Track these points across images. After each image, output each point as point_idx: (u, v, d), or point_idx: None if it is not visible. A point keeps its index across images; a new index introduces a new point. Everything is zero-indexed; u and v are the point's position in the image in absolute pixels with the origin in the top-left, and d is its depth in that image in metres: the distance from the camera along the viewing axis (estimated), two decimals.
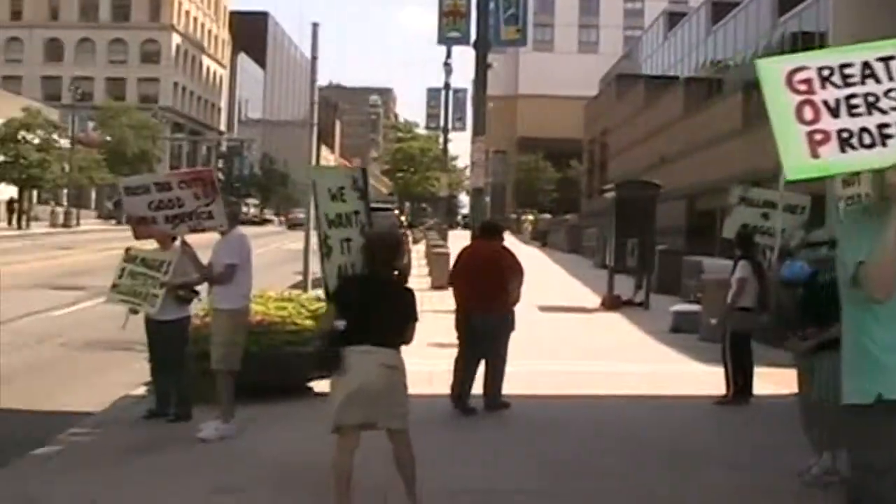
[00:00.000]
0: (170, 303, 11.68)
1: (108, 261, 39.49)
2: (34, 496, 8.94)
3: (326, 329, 8.31)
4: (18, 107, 76.67)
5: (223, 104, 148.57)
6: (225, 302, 11.17)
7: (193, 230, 11.51)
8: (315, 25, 21.12)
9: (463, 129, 60.73)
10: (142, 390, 13.91)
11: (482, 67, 26.46)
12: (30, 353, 17.88)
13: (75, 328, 20.99)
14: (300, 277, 25.16)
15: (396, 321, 8.00)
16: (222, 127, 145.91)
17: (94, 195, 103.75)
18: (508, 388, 13.22)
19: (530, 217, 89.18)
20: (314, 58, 21.37)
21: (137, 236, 12.16)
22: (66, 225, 78.60)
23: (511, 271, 13.07)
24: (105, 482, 9.45)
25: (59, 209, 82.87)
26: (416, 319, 8.14)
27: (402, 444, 8.06)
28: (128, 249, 12.30)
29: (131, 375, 15.07)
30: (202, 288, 12.01)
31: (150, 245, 12.23)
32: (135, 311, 12.12)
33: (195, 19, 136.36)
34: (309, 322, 13.49)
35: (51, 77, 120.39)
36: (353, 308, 7.96)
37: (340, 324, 7.97)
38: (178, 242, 11.95)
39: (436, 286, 29.26)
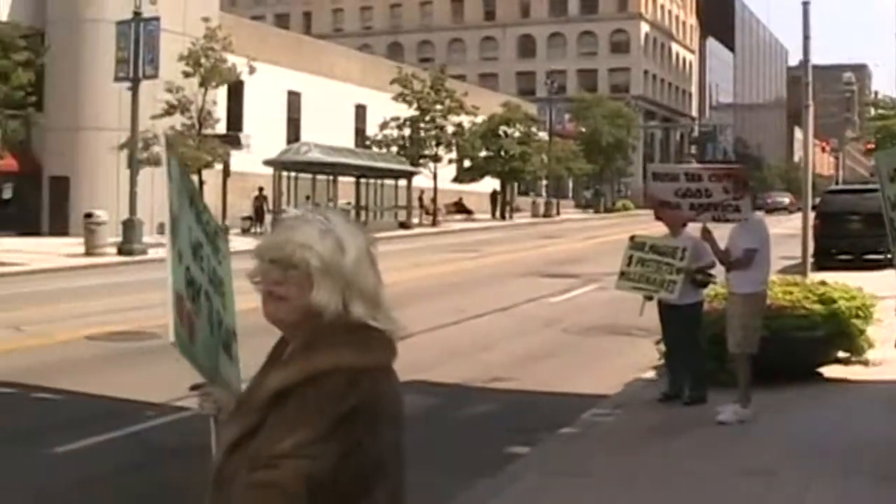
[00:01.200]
0: (686, 287, 11.88)
1: (594, 249, 40.62)
2: (563, 471, 9.38)
3: None
4: (497, 103, 79.72)
5: (693, 90, 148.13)
6: (743, 286, 11.19)
7: (716, 220, 11.60)
8: (805, 4, 20.84)
9: None
10: (651, 373, 14.19)
11: None
12: (538, 337, 18.69)
13: (574, 314, 21.71)
14: (787, 262, 24.83)
15: None
16: (693, 113, 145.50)
17: (570, 185, 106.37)
18: None
19: None
20: (806, 38, 21.09)
21: (658, 217, 12.46)
22: (546, 215, 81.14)
23: None
24: (633, 460, 9.76)
25: (540, 200, 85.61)
26: None
27: None
28: (632, 237, 12.60)
29: (637, 359, 15.43)
30: (717, 271, 12.12)
31: (655, 232, 12.47)
32: (649, 298, 12.39)
33: (662, 6, 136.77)
34: (818, 307, 13.28)
35: (524, 73, 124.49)
36: None
37: None
38: (687, 228, 12.15)
39: None
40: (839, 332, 13.33)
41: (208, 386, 3.42)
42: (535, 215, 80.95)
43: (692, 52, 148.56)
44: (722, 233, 11.65)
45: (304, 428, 2.69)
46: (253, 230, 49.79)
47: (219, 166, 46.02)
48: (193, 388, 3.47)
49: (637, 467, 9.47)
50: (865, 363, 13.78)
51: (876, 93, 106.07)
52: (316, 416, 2.70)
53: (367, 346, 2.85)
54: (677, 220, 12.09)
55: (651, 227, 14.40)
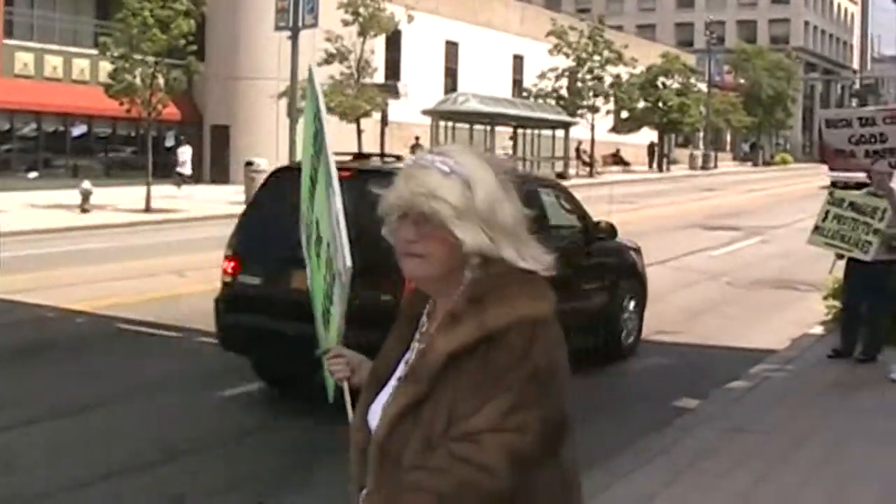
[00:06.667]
0: (881, 249, 11.47)
1: (755, 203, 40.01)
2: (737, 426, 9.22)
3: None
4: (656, 53, 78.69)
5: (855, 41, 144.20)
6: None
7: (894, 167, 11.23)
8: None
9: None
10: (818, 329, 13.91)
11: None
12: (702, 290, 18.47)
13: (737, 267, 21.38)
14: None
15: None
16: (855, 65, 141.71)
17: (728, 138, 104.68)
18: None
19: None
20: None
21: (832, 168, 12.10)
22: (704, 167, 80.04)
23: None
24: (808, 416, 9.55)
25: (697, 152, 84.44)
26: None
27: None
28: (832, 192, 12.21)
29: (803, 314, 15.19)
30: None
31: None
32: (840, 257, 12.09)
33: None
34: None
35: (683, 24, 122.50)
36: None
37: None
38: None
39: None
40: None
41: (338, 348, 3.22)
42: (692, 167, 79.91)
43: (854, 2, 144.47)
44: None
45: (498, 394, 2.49)
46: None
47: (377, 115, 46.25)
48: (323, 353, 3.28)
49: (813, 424, 9.28)
50: None
51: None
52: (506, 380, 2.49)
53: (532, 293, 2.63)
54: (854, 168, 11.71)
55: (812, 181, 14.05)
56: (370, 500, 2.66)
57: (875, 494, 7.32)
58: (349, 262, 3.00)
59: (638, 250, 13.61)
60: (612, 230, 12.74)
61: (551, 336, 2.61)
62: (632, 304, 13.00)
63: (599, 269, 12.56)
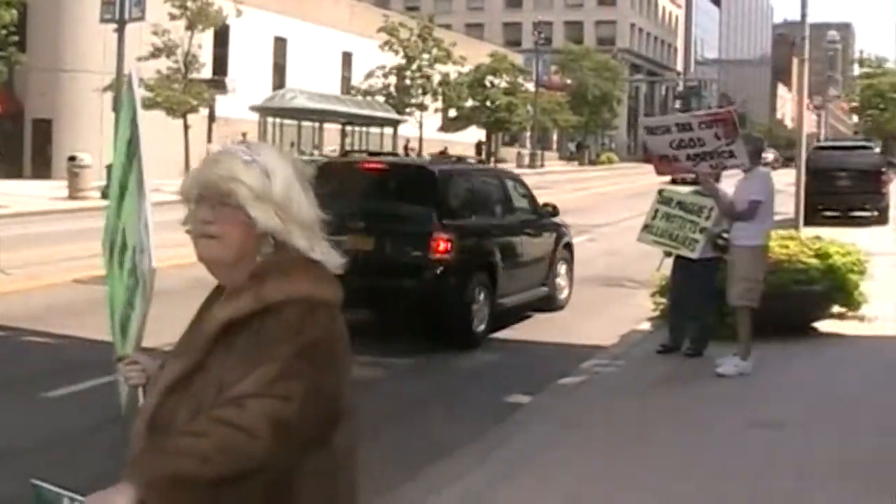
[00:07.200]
0: (707, 247, 11.77)
1: (583, 201, 40.57)
2: (570, 420, 9.30)
3: None
4: (485, 53, 79.43)
5: (679, 44, 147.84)
6: (747, 238, 11.07)
7: (714, 168, 11.48)
8: None
9: None
10: (647, 326, 14.16)
11: None
12: None
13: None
14: (776, 217, 24.74)
15: None
16: (679, 67, 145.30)
17: (555, 137, 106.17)
18: None
19: None
20: None
21: (659, 173, 12.32)
22: (531, 166, 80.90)
23: None
24: (638, 410, 9.71)
25: (524, 151, 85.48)
26: None
27: None
28: (661, 191, 12.48)
29: (631, 311, 15.38)
30: None
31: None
32: (668, 254, 12.32)
33: None
34: (814, 261, 13.23)
35: (512, 23, 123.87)
36: None
37: None
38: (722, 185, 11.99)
39: None
40: (835, 286, 13.33)
41: (136, 354, 3.15)
42: (519, 166, 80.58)
43: (679, 6, 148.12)
44: None
45: (267, 363, 2.54)
46: None
47: (204, 111, 45.72)
48: (119, 359, 3.23)
49: (642, 417, 9.42)
50: (861, 318, 13.80)
51: (861, 52, 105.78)
52: (277, 350, 2.55)
53: (317, 278, 2.71)
54: (679, 173, 11.97)
55: (636, 181, 14.39)
56: (130, 468, 2.53)
57: (702, 485, 7.44)
58: (154, 264, 2.97)
59: (567, 227, 16.89)
60: (554, 209, 16.36)
61: (330, 319, 2.66)
62: (564, 269, 16.30)
63: (545, 239, 15.83)
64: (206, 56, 47.54)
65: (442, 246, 12.77)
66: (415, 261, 12.94)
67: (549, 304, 15.62)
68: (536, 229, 15.56)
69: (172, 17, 41.51)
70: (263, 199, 2.68)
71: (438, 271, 12.83)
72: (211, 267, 2.78)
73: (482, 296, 13.30)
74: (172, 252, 3.34)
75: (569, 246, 16.50)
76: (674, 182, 15.97)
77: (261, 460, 2.50)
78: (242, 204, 2.67)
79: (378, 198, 13.83)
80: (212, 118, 48.32)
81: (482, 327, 13.30)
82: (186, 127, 41.36)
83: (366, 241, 12.57)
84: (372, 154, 15.10)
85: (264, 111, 52.36)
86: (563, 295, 16.19)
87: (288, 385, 2.51)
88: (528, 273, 14.93)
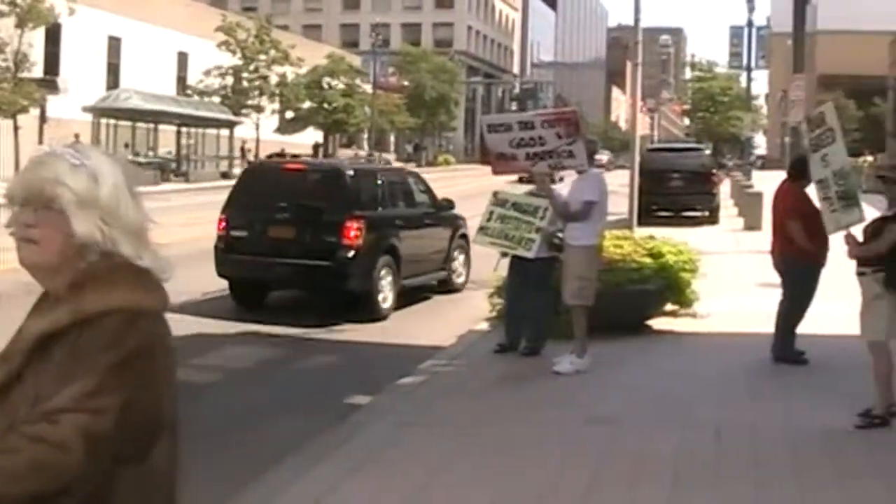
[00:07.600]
0: (543, 247, 11.93)
1: None
2: (409, 420, 9.36)
3: None
4: (322, 54, 79.16)
5: (516, 47, 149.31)
6: (580, 238, 11.28)
7: (553, 168, 11.65)
8: None
9: (767, 67, 59.37)
10: (484, 326, 14.29)
11: (801, 3, 25.80)
12: None
13: None
14: (610, 218, 25.21)
15: None
16: (515, 70, 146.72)
17: (392, 139, 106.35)
18: None
19: None
20: None
21: (496, 172, 12.44)
22: None
23: (787, 215, 11.62)
24: (477, 408, 9.82)
25: (362, 153, 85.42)
26: None
27: None
28: (496, 193, 12.62)
29: (470, 311, 15.51)
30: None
31: (519, 189, 12.46)
32: (505, 255, 12.46)
33: None
34: (648, 260, 13.54)
35: (349, 25, 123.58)
36: None
37: None
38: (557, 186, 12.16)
39: (749, 227, 28.52)
40: (669, 285, 13.65)
41: None
42: None
43: (515, 9, 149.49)
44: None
45: (82, 376, 2.46)
46: None
47: (35, 111, 44.60)
48: None
49: (481, 416, 9.52)
50: (693, 315, 14.16)
51: (693, 56, 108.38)
52: (93, 363, 2.47)
53: (140, 286, 2.64)
54: (517, 171, 12.11)
55: (472, 182, 14.59)
56: None
57: (542, 483, 7.54)
58: None
59: (464, 219, 18.37)
60: (450, 203, 18.16)
61: (153, 330, 2.61)
62: (462, 257, 18.18)
63: (443, 231, 17.77)
64: (37, 55, 46.37)
65: (353, 233, 14.98)
66: (329, 246, 15.04)
67: (448, 286, 17.77)
68: (435, 220, 17.73)
69: (1, 15, 40.38)
70: (88, 205, 2.61)
71: (350, 254, 15.00)
72: (32, 272, 2.69)
73: (388, 276, 15.47)
74: (6, 256, 3.26)
75: (465, 237, 17.90)
76: (520, 181, 16.28)
77: (74, 477, 2.42)
78: (65, 209, 2.60)
79: (299, 193, 15.91)
80: (43, 119, 47.15)
81: (388, 304, 15.43)
82: (16, 128, 40.33)
83: (288, 230, 15.36)
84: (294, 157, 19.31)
85: (98, 112, 51.25)
86: (461, 280, 18.21)
87: (103, 399, 2.44)
88: (427, 258, 17.15)
